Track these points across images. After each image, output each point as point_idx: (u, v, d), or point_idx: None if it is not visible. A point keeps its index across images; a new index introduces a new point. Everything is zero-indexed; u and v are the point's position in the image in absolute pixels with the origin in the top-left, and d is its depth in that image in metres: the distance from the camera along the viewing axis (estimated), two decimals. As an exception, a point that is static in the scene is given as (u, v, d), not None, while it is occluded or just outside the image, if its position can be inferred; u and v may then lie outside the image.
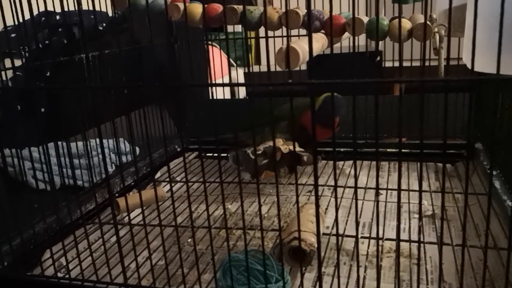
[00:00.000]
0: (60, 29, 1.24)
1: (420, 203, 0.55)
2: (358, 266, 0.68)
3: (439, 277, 0.61)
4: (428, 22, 0.71)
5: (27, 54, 1.06)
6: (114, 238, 0.89)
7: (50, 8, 1.12)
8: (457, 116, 1.13)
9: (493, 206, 0.91)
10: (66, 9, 0.76)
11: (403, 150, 1.15)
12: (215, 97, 0.62)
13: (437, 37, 0.72)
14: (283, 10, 0.78)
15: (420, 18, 0.79)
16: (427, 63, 1.17)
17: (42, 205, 0.87)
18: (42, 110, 1.15)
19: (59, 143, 0.90)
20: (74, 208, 0.94)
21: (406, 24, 0.73)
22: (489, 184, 0.56)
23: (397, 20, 0.73)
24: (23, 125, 1.10)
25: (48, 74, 1.14)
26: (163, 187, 1.15)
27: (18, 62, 1.01)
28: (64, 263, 0.78)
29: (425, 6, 0.52)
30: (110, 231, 0.93)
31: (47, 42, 1.21)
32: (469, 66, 0.49)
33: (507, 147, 0.89)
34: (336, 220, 0.64)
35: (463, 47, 0.71)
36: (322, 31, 0.79)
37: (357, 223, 0.57)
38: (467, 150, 1.19)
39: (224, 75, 1.74)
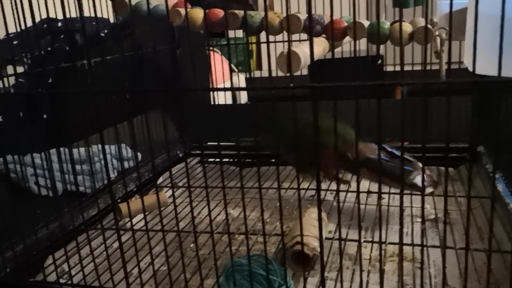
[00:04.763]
0: (62, 36, 1.24)
1: (422, 207, 0.55)
2: (361, 271, 0.68)
3: (443, 281, 0.61)
4: (429, 26, 0.71)
5: (29, 61, 1.06)
6: (116, 244, 0.89)
7: (52, 15, 1.13)
8: (460, 119, 1.12)
9: (496, 210, 0.91)
10: (67, 16, 0.76)
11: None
12: (217, 103, 0.62)
13: (438, 40, 0.72)
14: (284, 14, 0.79)
15: (421, 22, 0.79)
16: (428, 67, 1.16)
17: (44, 211, 0.87)
18: (45, 116, 1.15)
19: (61, 149, 0.90)
20: (77, 214, 0.94)
21: (407, 27, 0.73)
22: (491, 187, 0.56)
23: (398, 23, 0.73)
24: (26, 132, 1.10)
25: (50, 81, 1.14)
26: (165, 192, 1.15)
27: (20, 69, 1.02)
28: (67, 269, 0.78)
29: (426, 9, 0.52)
30: (113, 236, 0.93)
31: (49, 49, 1.21)
32: (470, 69, 0.49)
33: (510, 150, 0.89)
34: (338, 224, 0.64)
35: (464, 50, 0.71)
36: (323, 35, 0.80)
37: (360, 227, 0.56)
38: (470, 153, 1.19)
39: (225, 81, 1.74)
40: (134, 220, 0.98)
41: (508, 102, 0.89)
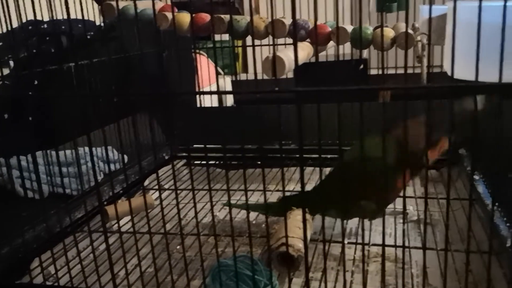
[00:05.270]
0: (47, 38, 1.24)
1: (404, 208, 0.57)
2: (344, 271, 0.69)
3: (423, 281, 0.62)
4: (410, 31, 0.73)
5: (14, 63, 1.06)
6: (103, 246, 0.89)
7: (38, 17, 1.12)
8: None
9: (477, 211, 0.93)
10: (54, 17, 0.76)
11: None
12: (203, 105, 0.63)
13: (420, 45, 0.73)
14: (269, 19, 0.80)
15: (403, 27, 0.81)
16: (412, 71, 1.19)
17: (30, 213, 0.87)
18: (30, 118, 1.15)
19: (48, 151, 0.91)
20: (63, 216, 0.94)
21: (389, 33, 0.75)
22: (470, 188, 0.58)
23: (380, 29, 0.75)
24: (11, 134, 1.10)
25: (36, 83, 1.14)
26: (152, 194, 1.15)
27: (5, 71, 1.01)
28: (53, 271, 0.78)
29: (407, 15, 0.54)
30: (99, 239, 0.93)
31: (34, 50, 1.21)
32: (449, 73, 0.51)
33: (489, 152, 0.91)
34: (323, 226, 0.65)
35: (444, 55, 0.72)
36: (308, 40, 0.81)
37: (343, 229, 0.58)
38: (450, 155, 1.21)
39: (211, 83, 1.75)
40: (121, 222, 0.98)
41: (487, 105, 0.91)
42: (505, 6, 0.44)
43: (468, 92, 1.00)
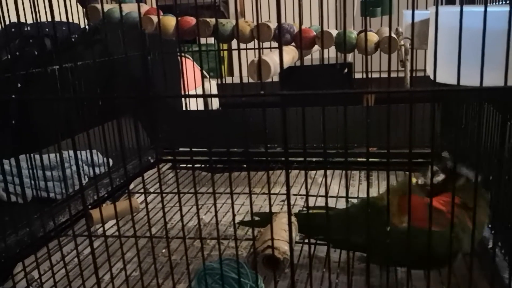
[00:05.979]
0: (31, 40, 1.23)
1: (388, 209, 0.57)
2: (330, 273, 0.69)
3: (407, 282, 0.63)
4: (394, 35, 0.73)
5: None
6: (87, 250, 0.89)
7: (21, 18, 1.11)
8: (425, 125, 1.16)
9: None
10: (37, 20, 0.75)
11: (373, 159, 1.18)
12: (188, 109, 0.63)
13: (403, 49, 0.74)
14: (255, 23, 0.80)
15: (387, 32, 0.82)
16: (396, 75, 1.20)
17: (13, 217, 0.86)
18: (13, 121, 1.14)
19: (31, 155, 0.90)
20: (47, 220, 0.93)
21: (373, 37, 0.76)
22: (452, 191, 0.59)
23: (364, 33, 0.76)
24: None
25: (19, 86, 1.13)
26: (137, 198, 1.15)
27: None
28: (37, 276, 0.77)
29: (390, 20, 0.55)
30: (84, 243, 0.93)
31: (17, 53, 1.19)
32: (432, 77, 0.52)
33: (471, 155, 0.93)
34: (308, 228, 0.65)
35: (427, 59, 0.73)
36: (293, 43, 0.81)
37: (328, 231, 0.58)
38: (433, 158, 1.22)
39: (197, 87, 1.75)
40: (106, 226, 0.98)
41: (469, 109, 0.92)
42: (485, 12, 0.45)
43: (450, 95, 1.01)
